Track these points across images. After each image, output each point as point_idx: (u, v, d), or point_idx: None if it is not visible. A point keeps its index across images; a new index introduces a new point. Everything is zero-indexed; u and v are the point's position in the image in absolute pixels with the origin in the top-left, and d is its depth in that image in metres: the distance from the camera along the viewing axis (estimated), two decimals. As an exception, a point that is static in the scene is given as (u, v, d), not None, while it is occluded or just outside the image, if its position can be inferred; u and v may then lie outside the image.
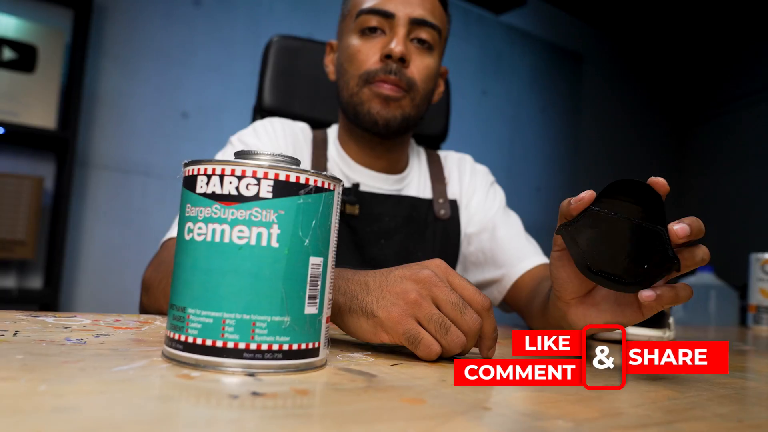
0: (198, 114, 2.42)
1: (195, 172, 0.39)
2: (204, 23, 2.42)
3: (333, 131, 0.99)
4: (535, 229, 3.28)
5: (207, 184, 0.38)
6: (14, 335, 0.44)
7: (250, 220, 0.37)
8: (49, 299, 1.94)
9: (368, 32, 0.88)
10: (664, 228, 0.47)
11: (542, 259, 0.91)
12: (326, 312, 0.42)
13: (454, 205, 0.99)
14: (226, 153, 0.90)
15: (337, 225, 0.43)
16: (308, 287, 0.39)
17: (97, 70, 2.20)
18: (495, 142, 3.32)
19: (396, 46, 0.85)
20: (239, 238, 0.37)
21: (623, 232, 0.48)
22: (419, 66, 0.88)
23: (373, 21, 0.88)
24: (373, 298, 0.49)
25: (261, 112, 1.17)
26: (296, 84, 1.17)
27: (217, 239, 0.37)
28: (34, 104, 1.96)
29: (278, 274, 0.38)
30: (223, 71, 2.45)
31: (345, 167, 0.94)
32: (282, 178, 0.38)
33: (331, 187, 0.41)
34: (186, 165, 0.40)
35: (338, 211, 0.43)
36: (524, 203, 3.35)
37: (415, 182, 0.99)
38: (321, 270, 0.40)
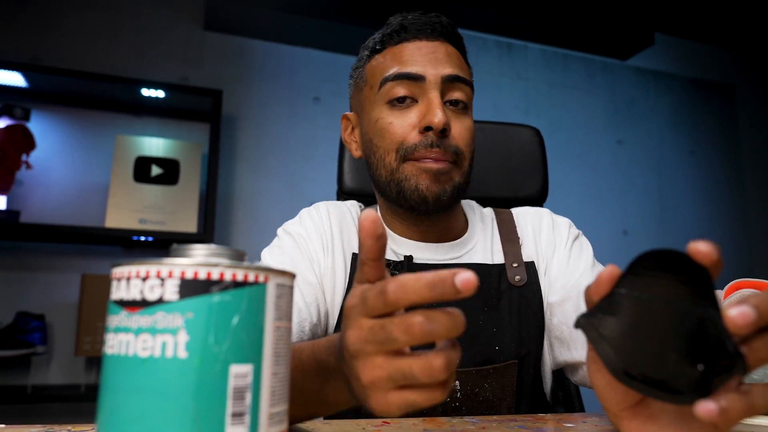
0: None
1: (111, 277, 0.36)
2: (324, 117, 2.55)
3: None
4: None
5: (118, 289, 0.35)
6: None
7: (154, 327, 0.33)
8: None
9: (397, 103, 0.81)
10: (717, 313, 0.34)
11: None
12: (269, 429, 0.34)
13: (530, 267, 0.85)
14: (272, 246, 0.88)
15: (281, 323, 0.36)
16: (230, 402, 0.33)
17: (231, 174, 2.40)
18: (640, 192, 3.02)
19: (436, 117, 0.76)
20: (143, 349, 0.32)
21: (664, 321, 0.35)
22: (460, 131, 0.80)
23: (401, 90, 0.80)
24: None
25: (342, 195, 1.15)
26: (375, 162, 1.14)
27: (123, 352, 0.33)
28: (178, 212, 2.17)
29: (187, 389, 0.32)
30: (343, 159, 2.55)
31: (392, 244, 0.87)
32: (189, 275, 0.33)
33: (260, 280, 0.35)
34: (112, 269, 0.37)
35: (283, 305, 0.36)
36: (685, 256, 2.97)
37: (481, 247, 0.88)
38: (250, 380, 0.34)
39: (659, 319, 0.36)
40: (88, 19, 2.28)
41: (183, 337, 0.32)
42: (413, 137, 0.79)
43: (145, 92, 2.17)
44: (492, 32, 2.82)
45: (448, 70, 0.80)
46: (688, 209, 3.11)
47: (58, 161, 2.18)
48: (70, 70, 2.05)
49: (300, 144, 2.51)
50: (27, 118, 2.04)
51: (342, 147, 1.16)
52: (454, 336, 0.36)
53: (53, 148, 2.17)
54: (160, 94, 2.18)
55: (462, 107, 0.81)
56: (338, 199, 1.18)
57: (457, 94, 0.81)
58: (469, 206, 0.95)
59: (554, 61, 3.00)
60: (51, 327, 2.06)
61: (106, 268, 2.17)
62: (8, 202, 2.03)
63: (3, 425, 0.55)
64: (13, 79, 2.04)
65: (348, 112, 0.92)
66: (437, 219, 0.84)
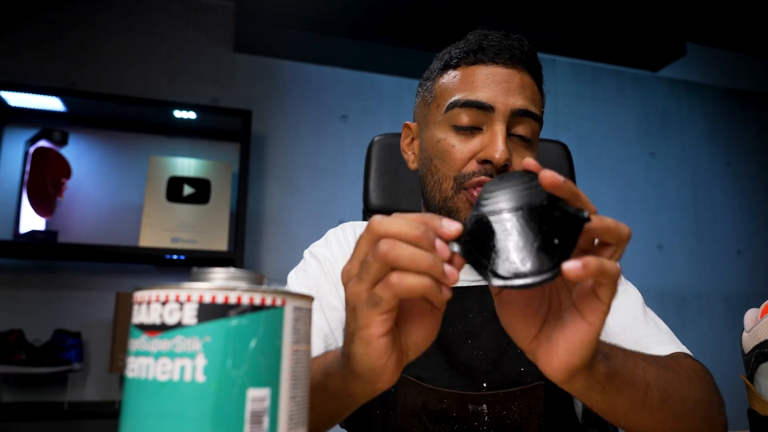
0: (354, 220, 2.53)
1: (133, 301, 0.36)
2: (351, 135, 2.57)
3: None
4: (737, 298, 2.81)
5: (138, 313, 0.35)
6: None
7: (173, 351, 0.33)
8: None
9: (461, 130, 0.77)
10: (552, 197, 0.41)
11: (677, 347, 0.73)
12: (287, 454, 0.34)
13: None
14: (298, 269, 0.88)
15: (299, 346, 0.36)
16: (248, 427, 0.33)
17: (261, 193, 2.43)
18: (675, 205, 2.95)
19: (497, 153, 0.73)
20: (162, 373, 0.33)
21: (514, 223, 0.42)
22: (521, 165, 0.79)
23: (467, 118, 0.76)
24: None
25: (368, 213, 1.16)
26: (401, 180, 1.14)
27: (143, 375, 0.33)
28: (209, 231, 2.20)
29: (205, 413, 0.32)
30: (371, 176, 2.56)
31: None
32: (207, 299, 0.33)
33: (278, 303, 0.35)
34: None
35: (301, 329, 0.36)
36: (722, 269, 2.89)
37: None
38: (268, 404, 0.34)
39: (511, 223, 0.42)
40: (122, 45, 2.35)
41: (201, 361, 0.33)
42: (471, 166, 0.77)
43: (177, 114, 2.22)
44: (519, 47, 2.81)
45: (519, 103, 0.77)
46: (725, 222, 3.02)
47: (95, 182, 2.24)
48: (106, 94, 2.12)
49: (328, 162, 2.53)
50: (65, 141, 2.10)
51: (368, 165, 1.17)
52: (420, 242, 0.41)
53: (90, 170, 2.24)
54: (191, 115, 2.23)
55: (527, 142, 0.79)
56: (365, 216, 1.19)
57: (523, 130, 0.78)
58: None
59: (583, 74, 2.97)
60: (87, 344, 2.11)
61: (139, 287, 2.21)
62: (47, 223, 2.09)
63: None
64: (52, 104, 2.11)
65: (410, 122, 0.89)
66: None
